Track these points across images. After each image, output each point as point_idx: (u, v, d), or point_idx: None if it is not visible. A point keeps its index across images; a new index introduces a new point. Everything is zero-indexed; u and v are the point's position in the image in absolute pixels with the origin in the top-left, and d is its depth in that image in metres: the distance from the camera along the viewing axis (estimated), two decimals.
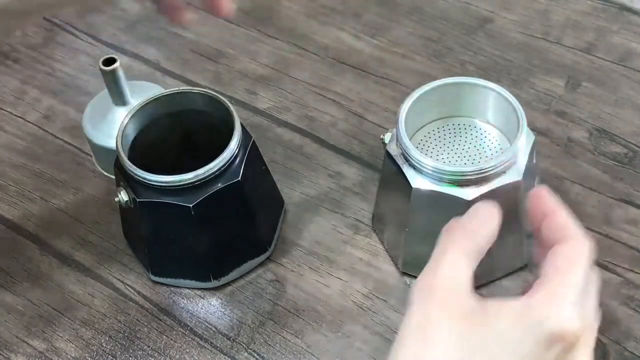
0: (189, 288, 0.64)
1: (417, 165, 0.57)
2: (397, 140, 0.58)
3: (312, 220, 0.68)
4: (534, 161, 0.60)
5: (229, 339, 0.62)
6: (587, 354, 0.46)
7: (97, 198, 0.70)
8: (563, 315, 0.44)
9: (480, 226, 0.50)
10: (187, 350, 0.61)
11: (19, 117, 0.77)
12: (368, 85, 0.77)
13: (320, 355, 0.60)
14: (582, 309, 0.45)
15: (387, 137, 0.60)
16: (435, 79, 0.62)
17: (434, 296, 0.46)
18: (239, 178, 0.59)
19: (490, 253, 0.61)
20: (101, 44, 0.83)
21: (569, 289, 0.45)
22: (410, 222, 0.60)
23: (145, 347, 0.62)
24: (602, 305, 0.61)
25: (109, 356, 0.61)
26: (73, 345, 0.62)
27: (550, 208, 0.51)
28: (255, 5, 0.85)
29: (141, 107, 0.61)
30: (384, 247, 0.65)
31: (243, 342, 0.61)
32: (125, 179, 0.59)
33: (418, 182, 0.57)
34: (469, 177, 0.56)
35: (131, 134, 0.61)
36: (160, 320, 0.63)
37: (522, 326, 0.44)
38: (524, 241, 0.62)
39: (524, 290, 0.47)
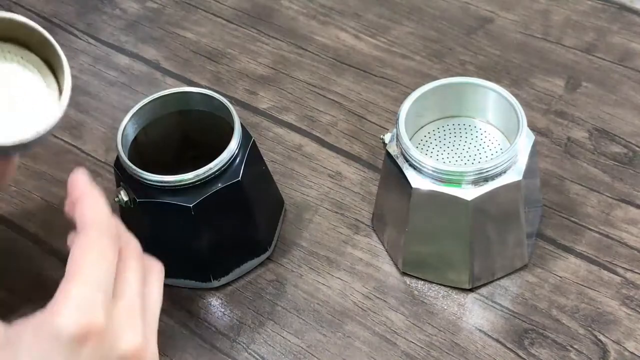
0: (189, 288, 0.64)
1: (417, 165, 0.57)
2: (397, 140, 0.58)
3: (312, 220, 0.68)
4: (534, 161, 0.60)
5: (229, 339, 0.62)
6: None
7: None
8: (73, 313, 0.41)
9: None
10: (187, 350, 0.61)
11: None
12: (368, 85, 0.77)
13: (320, 355, 0.60)
14: (99, 305, 0.42)
15: (387, 137, 0.60)
16: (435, 79, 0.62)
17: None
18: (239, 178, 0.59)
19: (490, 253, 0.61)
20: (101, 44, 0.83)
21: (77, 284, 0.42)
22: (410, 222, 0.60)
23: None
24: (602, 305, 0.61)
25: None
26: None
27: (80, 193, 0.46)
28: (255, 5, 0.85)
29: (141, 107, 0.61)
30: (384, 247, 0.65)
31: (243, 342, 0.61)
32: (125, 179, 0.59)
33: (418, 182, 0.57)
34: (469, 177, 0.56)
35: (131, 134, 0.61)
36: (160, 320, 0.63)
37: (45, 339, 0.42)
38: (524, 241, 0.62)
39: None
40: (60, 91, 0.47)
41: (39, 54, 0.48)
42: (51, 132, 0.46)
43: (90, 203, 0.46)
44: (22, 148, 0.45)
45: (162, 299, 0.49)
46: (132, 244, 0.48)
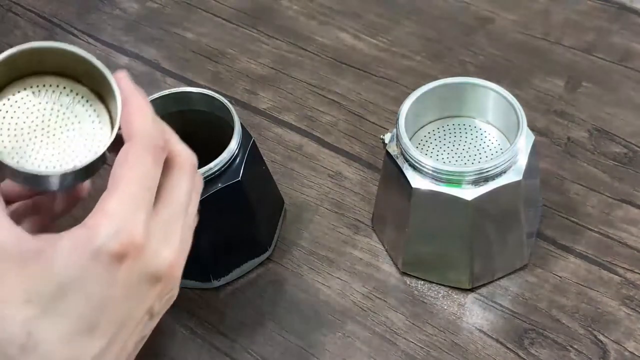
0: (189, 288, 0.64)
1: (417, 165, 0.57)
2: (397, 140, 0.59)
3: (312, 220, 0.68)
4: (534, 161, 0.60)
5: (229, 339, 0.62)
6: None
7: (97, 198, 0.70)
8: (113, 231, 0.40)
9: None
10: (187, 351, 0.61)
11: None
12: (368, 85, 0.77)
13: (320, 355, 0.60)
14: (139, 222, 0.41)
15: (387, 137, 0.60)
16: (435, 79, 0.62)
17: None
18: (239, 178, 0.59)
19: (490, 253, 0.61)
20: (101, 44, 0.83)
21: (117, 200, 0.41)
22: (410, 222, 0.60)
23: (144, 347, 0.62)
24: (602, 305, 0.61)
25: None
26: None
27: (124, 98, 0.43)
28: (255, 5, 0.85)
29: None
30: (384, 247, 0.65)
31: (243, 342, 0.61)
32: None
33: (418, 182, 0.57)
34: (469, 177, 0.56)
35: None
36: (160, 320, 0.63)
37: (83, 255, 0.41)
38: (524, 241, 0.62)
39: None
40: (112, 121, 0.44)
41: (87, 84, 0.45)
42: (99, 162, 0.44)
43: (134, 111, 0.43)
44: (64, 179, 0.43)
45: (197, 218, 0.48)
46: (184, 155, 0.45)
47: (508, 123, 0.59)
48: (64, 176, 0.43)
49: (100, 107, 0.45)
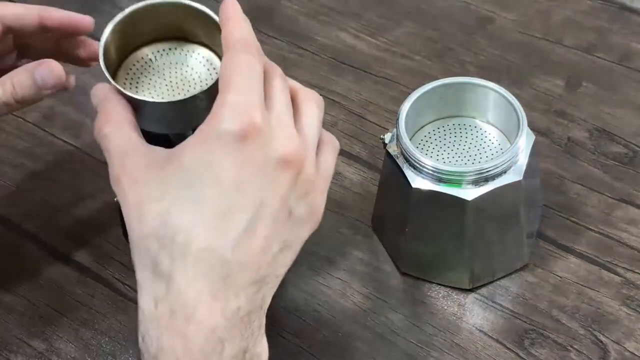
0: None
1: (417, 165, 0.57)
2: (397, 140, 0.58)
3: None
4: (534, 161, 0.60)
5: None
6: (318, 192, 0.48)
7: (97, 198, 0.70)
8: (233, 114, 0.44)
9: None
10: None
11: (19, 117, 0.77)
12: (368, 85, 0.77)
13: (320, 355, 0.60)
14: (256, 106, 0.45)
15: (387, 137, 0.60)
16: (435, 79, 0.62)
17: (114, 165, 0.47)
18: None
19: (490, 253, 0.61)
20: None
21: (231, 92, 0.45)
22: (410, 222, 0.60)
23: None
24: (603, 305, 0.61)
25: (109, 356, 0.61)
26: (73, 346, 0.62)
27: (229, 15, 0.49)
28: (255, 5, 0.85)
29: None
30: (384, 247, 0.65)
31: None
32: None
33: (418, 182, 0.57)
34: (469, 177, 0.56)
35: None
36: None
37: (209, 141, 0.44)
38: (524, 241, 0.62)
39: None
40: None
41: (199, 41, 0.53)
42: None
43: (237, 24, 0.48)
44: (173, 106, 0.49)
45: (319, 126, 0.50)
46: (275, 66, 0.50)
47: (508, 123, 0.59)
48: (193, 98, 0.49)
49: (215, 59, 0.53)
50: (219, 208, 0.44)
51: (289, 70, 0.79)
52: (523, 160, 0.58)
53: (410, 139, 0.58)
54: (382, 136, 0.61)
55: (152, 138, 0.49)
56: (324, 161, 0.49)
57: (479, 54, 0.78)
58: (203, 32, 0.52)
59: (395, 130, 0.59)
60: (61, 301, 0.64)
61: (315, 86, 0.77)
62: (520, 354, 0.60)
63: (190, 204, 0.44)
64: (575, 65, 0.76)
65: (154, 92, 0.52)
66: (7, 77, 0.54)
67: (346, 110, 0.75)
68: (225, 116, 0.44)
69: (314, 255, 0.65)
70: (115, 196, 0.60)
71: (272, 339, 0.61)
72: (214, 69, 0.53)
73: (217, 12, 0.50)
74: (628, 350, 0.59)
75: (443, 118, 0.62)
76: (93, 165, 0.72)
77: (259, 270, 0.45)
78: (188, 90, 0.52)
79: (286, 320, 0.62)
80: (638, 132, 0.71)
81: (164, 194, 0.44)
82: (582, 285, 0.62)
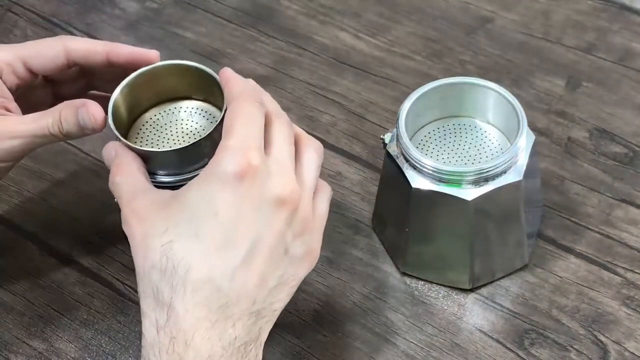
0: None
1: (417, 165, 0.57)
2: (397, 140, 0.58)
3: None
4: (534, 161, 0.60)
5: None
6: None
7: (97, 198, 0.70)
8: (232, 157, 0.48)
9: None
10: None
11: None
12: (368, 85, 0.77)
13: (320, 355, 0.60)
14: (253, 150, 0.48)
15: (387, 137, 0.60)
16: (435, 79, 0.62)
17: (124, 208, 0.50)
18: None
19: (490, 253, 0.61)
20: None
21: (232, 138, 0.49)
22: (410, 222, 0.60)
23: None
24: (603, 305, 0.61)
25: (109, 356, 0.61)
26: (73, 346, 0.62)
27: (228, 77, 0.53)
28: (255, 5, 0.85)
29: None
30: (384, 247, 0.65)
31: None
32: None
33: (418, 182, 0.57)
34: (469, 177, 0.56)
35: None
36: None
37: (211, 181, 0.48)
38: (524, 241, 0.62)
39: None
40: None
41: (199, 97, 0.58)
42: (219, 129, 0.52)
43: (237, 81, 0.53)
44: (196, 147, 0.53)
45: (317, 172, 0.53)
46: (277, 111, 0.53)
47: (508, 123, 0.59)
48: (195, 144, 0.53)
49: (213, 109, 0.58)
50: (217, 241, 0.47)
51: (289, 70, 0.79)
52: (523, 160, 0.58)
53: (410, 139, 0.58)
54: (382, 136, 0.61)
55: (161, 186, 0.53)
56: (319, 204, 0.52)
57: (479, 54, 0.78)
58: (202, 88, 0.57)
59: (395, 130, 0.59)
60: (61, 301, 0.64)
61: (315, 86, 0.77)
62: (520, 354, 0.60)
63: (191, 237, 0.47)
64: (575, 65, 0.76)
65: (161, 145, 0.56)
66: (58, 107, 0.56)
67: (346, 110, 0.75)
68: (225, 159, 0.48)
69: None
70: (115, 197, 0.60)
71: (272, 338, 0.61)
72: (214, 117, 0.57)
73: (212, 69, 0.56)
74: (628, 350, 0.59)
75: (443, 118, 0.62)
76: (93, 165, 0.72)
77: (255, 303, 0.48)
78: (190, 140, 0.56)
79: (286, 320, 0.62)
80: (638, 132, 0.71)
81: (167, 228, 0.48)
82: (582, 285, 0.62)
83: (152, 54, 0.59)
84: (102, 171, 0.72)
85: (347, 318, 0.62)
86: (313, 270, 0.64)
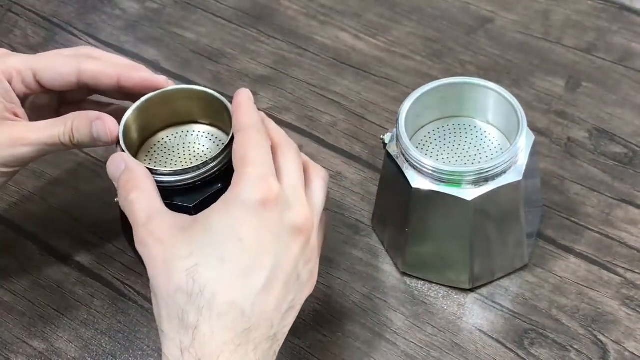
0: None
1: (417, 165, 0.57)
2: (397, 140, 0.58)
3: None
4: (534, 161, 0.60)
5: None
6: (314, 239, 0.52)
7: (97, 198, 0.70)
8: (254, 184, 0.49)
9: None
10: None
11: None
12: (368, 85, 0.77)
13: (320, 355, 0.60)
14: (272, 178, 0.50)
15: (387, 137, 0.60)
16: (435, 79, 0.62)
17: (140, 227, 0.50)
18: None
19: (490, 253, 0.61)
20: (101, 44, 0.82)
21: (249, 166, 0.50)
22: (410, 222, 0.60)
23: (145, 347, 0.62)
24: (602, 305, 0.61)
25: (109, 356, 0.61)
26: (73, 346, 0.62)
27: (239, 102, 0.54)
28: (255, 5, 0.85)
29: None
30: (384, 247, 0.65)
31: None
32: None
33: (418, 182, 0.57)
34: (469, 177, 0.56)
35: None
36: None
37: (234, 207, 0.49)
38: (524, 241, 0.62)
39: None
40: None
41: (207, 122, 0.60)
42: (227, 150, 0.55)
43: (247, 110, 0.53)
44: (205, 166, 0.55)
45: (324, 201, 0.55)
46: (282, 137, 0.55)
47: (508, 123, 0.59)
48: (205, 163, 0.55)
49: (220, 133, 0.60)
50: (242, 266, 0.48)
51: (289, 70, 0.79)
52: (523, 160, 0.58)
53: (410, 139, 0.58)
54: (382, 136, 0.61)
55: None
56: (320, 230, 0.54)
57: (479, 54, 0.78)
58: (210, 112, 0.59)
59: (395, 130, 0.59)
60: (61, 301, 0.64)
61: (315, 86, 0.77)
62: (520, 354, 0.60)
63: (216, 261, 0.48)
64: (575, 65, 0.76)
65: (169, 167, 0.58)
66: (69, 117, 0.56)
67: (346, 110, 0.75)
68: (247, 186, 0.49)
69: None
70: (115, 197, 0.60)
71: None
72: (220, 140, 0.59)
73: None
74: (628, 350, 0.59)
75: (443, 118, 0.62)
76: (93, 165, 0.72)
77: (272, 327, 0.49)
78: (197, 161, 0.58)
79: None
80: (638, 132, 0.71)
81: (191, 252, 0.48)
82: (582, 285, 0.62)
83: (162, 80, 0.59)
84: (102, 171, 0.72)
85: (347, 318, 0.62)
86: None
